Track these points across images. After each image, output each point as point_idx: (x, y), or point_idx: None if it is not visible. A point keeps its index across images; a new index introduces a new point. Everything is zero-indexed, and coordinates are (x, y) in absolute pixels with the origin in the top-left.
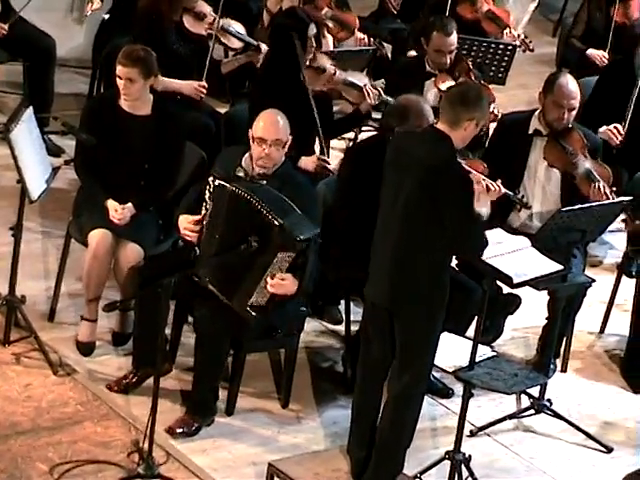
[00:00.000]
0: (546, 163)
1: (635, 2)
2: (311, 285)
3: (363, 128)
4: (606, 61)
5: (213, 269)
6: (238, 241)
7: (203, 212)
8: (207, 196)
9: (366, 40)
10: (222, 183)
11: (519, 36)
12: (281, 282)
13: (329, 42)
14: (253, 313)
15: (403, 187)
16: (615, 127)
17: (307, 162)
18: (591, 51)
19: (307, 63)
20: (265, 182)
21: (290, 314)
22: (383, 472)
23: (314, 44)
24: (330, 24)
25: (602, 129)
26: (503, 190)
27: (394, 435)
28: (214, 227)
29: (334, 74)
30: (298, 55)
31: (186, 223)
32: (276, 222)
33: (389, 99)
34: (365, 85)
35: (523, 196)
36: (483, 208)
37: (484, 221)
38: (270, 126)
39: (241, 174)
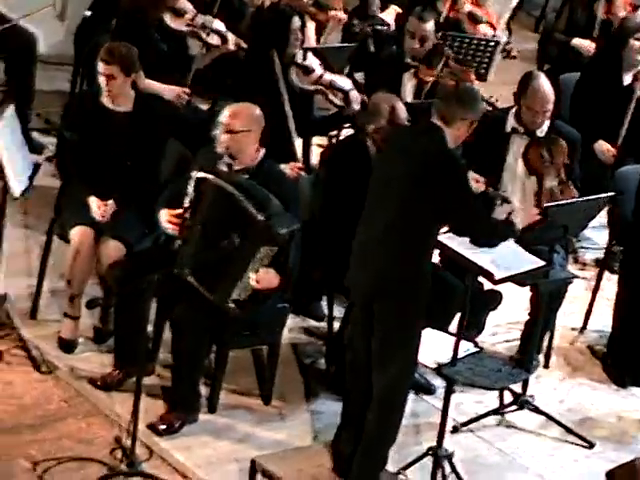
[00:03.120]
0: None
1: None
2: (292, 277)
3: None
4: (592, 50)
5: (194, 262)
6: (219, 233)
7: (185, 205)
8: (189, 190)
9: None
10: (205, 176)
11: (506, 43)
12: (265, 276)
13: (311, 31)
14: (234, 307)
15: (392, 179)
16: (609, 150)
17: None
18: (577, 41)
19: (297, 61)
20: (247, 176)
21: (272, 310)
22: (367, 469)
23: (299, 36)
24: (312, 10)
25: (597, 145)
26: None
27: (379, 432)
28: (196, 219)
29: (321, 76)
30: (275, 72)
31: (168, 215)
32: (259, 217)
33: None
34: (350, 90)
35: (504, 191)
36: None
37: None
38: (228, 115)
39: (224, 167)
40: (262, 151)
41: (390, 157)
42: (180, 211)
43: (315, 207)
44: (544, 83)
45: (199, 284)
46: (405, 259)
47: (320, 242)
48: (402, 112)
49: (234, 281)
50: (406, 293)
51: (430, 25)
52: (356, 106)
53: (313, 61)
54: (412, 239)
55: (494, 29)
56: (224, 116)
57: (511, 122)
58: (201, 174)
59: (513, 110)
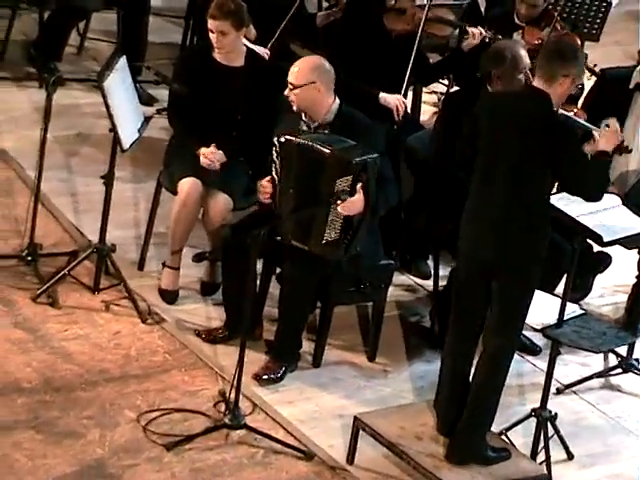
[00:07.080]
0: None
1: None
2: (382, 208)
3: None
4: None
5: (292, 224)
6: (310, 192)
7: (273, 172)
8: (274, 156)
9: None
10: (287, 138)
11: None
12: (348, 203)
13: None
14: (332, 250)
15: (505, 147)
16: None
17: (388, 98)
18: None
19: (388, 6)
20: (328, 130)
21: (378, 267)
22: (477, 433)
23: None
24: None
25: None
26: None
27: (487, 394)
28: (287, 183)
29: (416, 13)
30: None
31: (261, 183)
32: (326, 150)
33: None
34: (455, 19)
35: (623, 141)
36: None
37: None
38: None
39: (304, 127)
40: (337, 101)
41: (499, 126)
42: (268, 178)
43: (433, 164)
44: None
45: (300, 243)
46: (528, 231)
47: (434, 200)
48: (525, 58)
49: (322, 222)
50: (530, 264)
51: None
52: (477, 34)
53: (405, 2)
54: (533, 210)
55: None
56: (290, 74)
57: (636, 78)
58: (283, 138)
59: (639, 67)
